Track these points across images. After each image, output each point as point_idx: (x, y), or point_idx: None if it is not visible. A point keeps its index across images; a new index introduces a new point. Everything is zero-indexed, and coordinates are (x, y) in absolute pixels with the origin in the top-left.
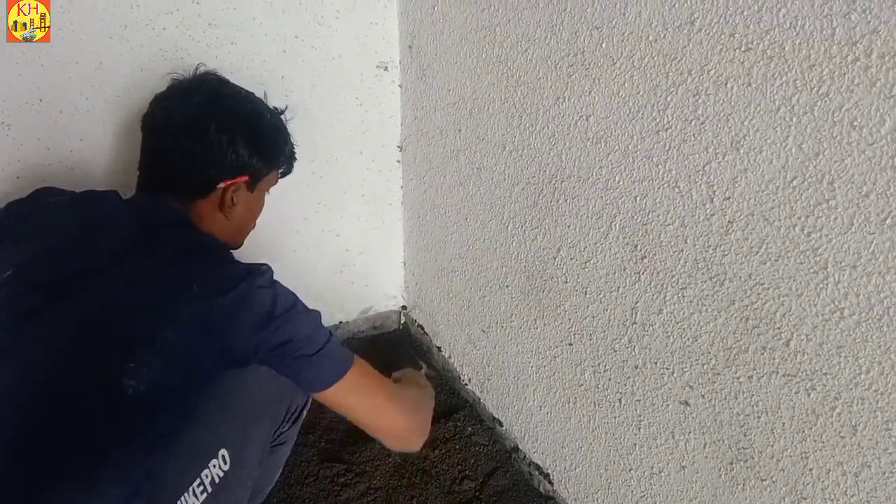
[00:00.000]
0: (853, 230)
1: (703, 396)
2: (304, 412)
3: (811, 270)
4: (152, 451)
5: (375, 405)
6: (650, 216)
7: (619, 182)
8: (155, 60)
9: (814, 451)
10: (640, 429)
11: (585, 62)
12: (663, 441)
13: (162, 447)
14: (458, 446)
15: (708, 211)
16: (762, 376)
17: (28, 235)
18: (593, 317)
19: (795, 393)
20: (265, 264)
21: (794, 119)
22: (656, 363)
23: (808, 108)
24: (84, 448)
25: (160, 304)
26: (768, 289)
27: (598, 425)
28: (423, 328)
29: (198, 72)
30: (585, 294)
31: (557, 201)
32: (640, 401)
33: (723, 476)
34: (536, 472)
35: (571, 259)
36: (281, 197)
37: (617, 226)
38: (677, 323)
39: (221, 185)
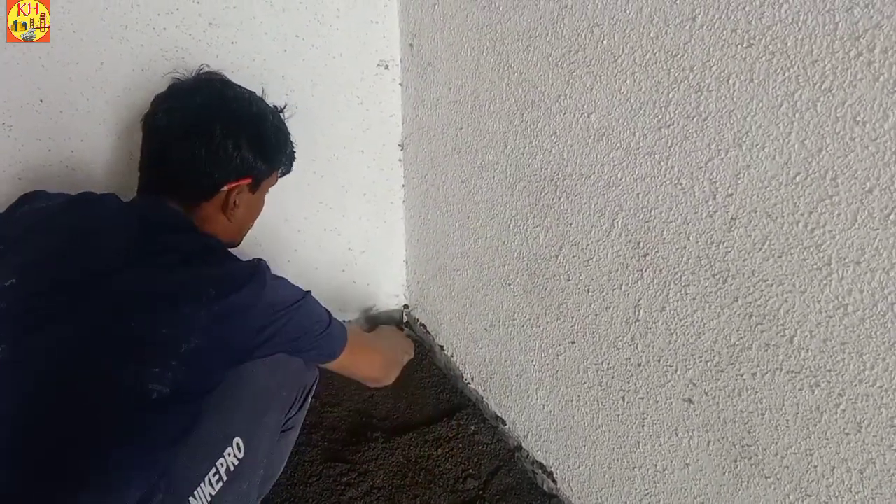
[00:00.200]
0: (857, 226)
1: (706, 394)
2: (310, 397)
3: (815, 267)
4: (170, 448)
5: (369, 360)
6: (652, 213)
7: (621, 179)
8: (155, 60)
9: (818, 448)
10: (643, 426)
11: (587, 59)
12: (667, 439)
13: (181, 444)
14: (461, 445)
15: (711, 208)
16: (766, 373)
17: (26, 241)
18: (596, 315)
19: (799, 390)
20: (261, 259)
21: (797, 115)
22: (659, 361)
23: (811, 103)
24: (104, 452)
25: (177, 308)
26: (771, 285)
27: (602, 423)
28: (425, 327)
29: (201, 72)
30: (588, 292)
31: (559, 199)
32: (643, 398)
33: (727, 473)
34: (540, 471)
35: (574, 257)
36: (282, 196)
37: (619, 223)
38: (680, 320)
39: (225, 187)
